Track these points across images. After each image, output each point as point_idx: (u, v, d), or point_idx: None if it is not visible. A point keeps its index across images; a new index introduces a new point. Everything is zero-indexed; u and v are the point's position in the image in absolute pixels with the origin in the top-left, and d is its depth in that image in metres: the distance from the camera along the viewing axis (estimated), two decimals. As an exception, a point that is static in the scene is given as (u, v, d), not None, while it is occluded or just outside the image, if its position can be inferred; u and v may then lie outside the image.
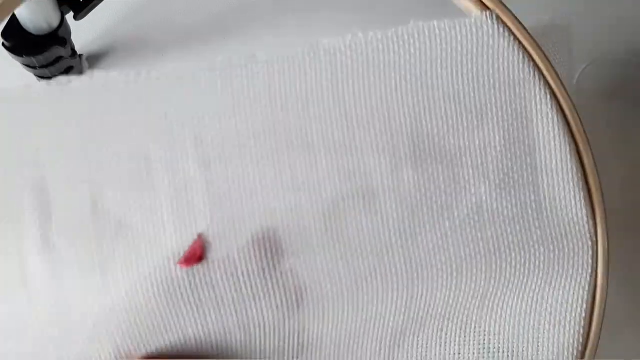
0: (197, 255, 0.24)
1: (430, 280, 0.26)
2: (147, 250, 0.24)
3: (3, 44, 0.37)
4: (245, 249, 0.25)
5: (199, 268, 0.25)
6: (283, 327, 0.26)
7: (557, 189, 0.26)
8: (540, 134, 0.26)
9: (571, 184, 0.26)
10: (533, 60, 0.26)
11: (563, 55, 0.30)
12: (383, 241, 0.25)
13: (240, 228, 0.25)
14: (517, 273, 0.27)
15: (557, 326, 0.27)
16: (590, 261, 0.27)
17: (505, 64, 0.25)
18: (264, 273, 0.25)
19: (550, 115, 0.26)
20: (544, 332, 0.27)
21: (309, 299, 0.26)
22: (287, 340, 0.27)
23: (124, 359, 0.26)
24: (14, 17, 0.37)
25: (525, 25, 0.26)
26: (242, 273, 0.25)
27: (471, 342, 0.28)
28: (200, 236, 0.24)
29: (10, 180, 0.24)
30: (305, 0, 0.43)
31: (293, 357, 0.27)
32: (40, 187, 0.24)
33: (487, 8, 0.25)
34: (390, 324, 0.27)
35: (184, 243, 0.24)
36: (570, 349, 0.27)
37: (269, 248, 0.25)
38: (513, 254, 0.26)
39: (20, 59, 0.37)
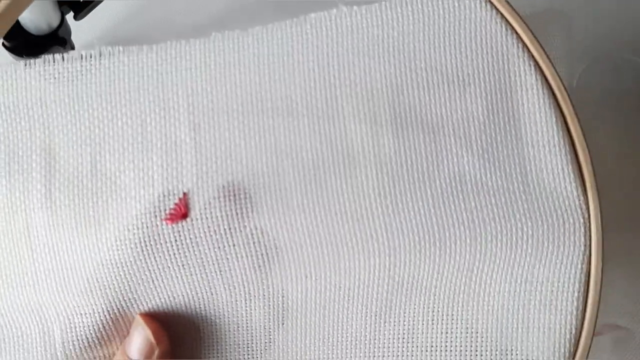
0: (181, 212, 0.26)
1: (412, 248, 0.26)
2: (137, 208, 0.26)
3: (3, 44, 0.37)
4: (227, 207, 0.26)
5: (183, 225, 0.26)
6: (267, 289, 0.27)
7: (544, 162, 0.26)
8: (525, 105, 0.26)
9: (558, 156, 0.26)
10: (516, 33, 0.26)
11: (561, 39, 0.30)
12: (363, 205, 0.26)
13: (223, 187, 0.26)
14: (504, 247, 0.26)
15: (548, 306, 0.26)
16: (582, 239, 0.26)
17: (488, 36, 0.26)
18: (244, 230, 0.26)
19: (535, 87, 0.26)
20: (534, 313, 0.26)
21: (290, 260, 0.26)
22: (271, 304, 0.27)
23: (116, 314, 0.27)
24: None
25: (526, 11, 0.27)
26: (224, 230, 0.26)
27: (459, 321, 0.27)
28: (185, 194, 0.26)
29: (22, 141, 0.27)
30: (306, 1, 0.44)
31: (279, 322, 0.28)
32: (47, 148, 0.27)
33: (469, -17, 0.26)
34: (375, 294, 0.27)
35: (171, 202, 0.26)
36: (564, 332, 0.26)
37: (251, 207, 0.26)
38: (499, 227, 0.26)
39: (21, 59, 0.37)
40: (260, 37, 0.26)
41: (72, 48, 0.42)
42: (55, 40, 0.39)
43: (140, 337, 0.27)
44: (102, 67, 0.27)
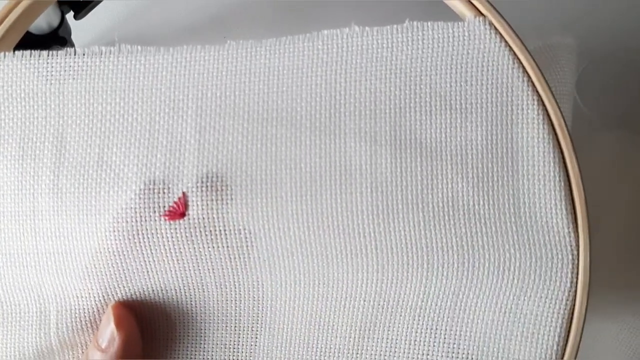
0: (179, 210, 0.27)
1: (400, 267, 0.27)
2: (137, 202, 0.27)
3: None
4: (223, 210, 0.26)
5: (180, 222, 0.27)
6: (257, 292, 0.28)
7: (537, 195, 0.26)
8: (525, 139, 0.26)
9: (553, 192, 0.26)
10: (523, 67, 0.26)
11: (567, 72, 0.30)
12: (355, 221, 0.26)
13: (221, 191, 0.27)
14: (491, 275, 0.26)
15: (530, 339, 0.27)
16: (570, 275, 0.26)
17: (495, 67, 0.26)
18: (239, 234, 0.27)
19: (536, 121, 0.26)
20: (515, 344, 0.27)
21: (281, 266, 0.27)
22: (260, 307, 0.28)
23: (110, 301, 0.28)
24: None
25: (538, 43, 0.27)
26: (219, 231, 0.27)
27: (440, 344, 0.28)
28: (184, 194, 0.27)
29: (37, 128, 0.28)
30: (306, 1, 0.43)
31: (266, 326, 0.28)
32: (59, 137, 0.28)
33: (481, 14, 0.27)
34: (361, 308, 0.28)
35: (170, 199, 0.27)
36: (543, 366, 0.26)
37: (247, 211, 0.26)
38: (487, 255, 0.26)
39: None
40: (272, 48, 0.27)
41: (72, 47, 0.42)
42: (55, 40, 0.38)
43: (106, 325, 0.28)
44: (119, 64, 0.28)
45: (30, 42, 0.33)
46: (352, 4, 0.43)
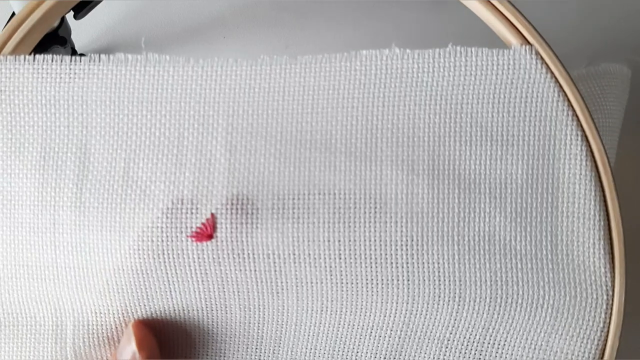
0: (207, 232, 0.26)
1: (431, 299, 0.26)
2: (163, 220, 0.26)
3: None
4: (252, 233, 0.26)
5: (207, 244, 0.26)
6: (281, 317, 0.27)
7: (576, 234, 0.26)
8: (566, 175, 0.25)
9: (592, 230, 0.25)
10: (568, 100, 0.25)
11: (615, 103, 0.29)
12: (388, 251, 0.26)
13: (252, 214, 0.26)
14: (523, 312, 0.26)
15: None
16: (603, 315, 0.26)
17: (539, 99, 0.25)
18: (268, 258, 0.26)
19: (578, 157, 0.25)
20: (544, 381, 0.26)
21: (309, 292, 0.26)
22: (283, 330, 0.27)
23: (129, 318, 0.27)
24: (13, 16, 0.35)
25: (585, 69, 0.26)
26: (247, 255, 0.26)
27: None
28: (213, 215, 0.26)
29: (59, 137, 0.27)
30: (305, 1, 0.42)
31: (288, 349, 0.28)
32: (83, 148, 0.27)
33: (528, 42, 0.26)
34: (388, 337, 0.27)
35: (198, 220, 0.26)
36: (571, 405, 0.26)
37: (277, 237, 0.26)
38: (521, 291, 0.26)
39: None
40: (308, 66, 0.26)
41: (72, 47, 0.41)
42: (55, 40, 0.38)
43: (127, 344, 0.27)
44: (147, 73, 0.27)
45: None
46: (353, 5, 0.42)
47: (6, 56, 0.28)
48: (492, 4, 0.26)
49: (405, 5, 0.40)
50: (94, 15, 0.40)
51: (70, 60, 0.27)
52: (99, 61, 0.27)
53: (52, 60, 0.27)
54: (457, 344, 0.27)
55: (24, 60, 0.27)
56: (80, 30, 0.41)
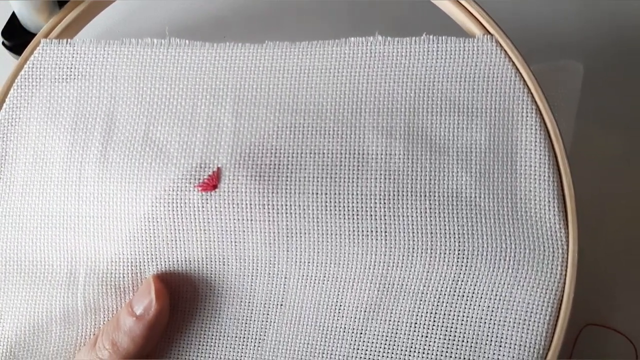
0: (212, 182, 0.30)
1: (406, 251, 0.29)
2: (176, 173, 0.30)
3: (3, 44, 0.38)
4: (251, 185, 0.29)
5: (211, 194, 0.30)
6: (272, 268, 0.30)
7: (533, 193, 0.29)
8: (523, 142, 0.30)
9: (547, 190, 0.29)
10: (523, 79, 0.30)
11: (571, 90, 0.33)
12: (368, 204, 0.29)
13: (252, 167, 0.30)
14: (488, 264, 0.29)
15: (522, 325, 0.29)
16: (559, 268, 0.29)
17: (499, 78, 0.30)
18: (263, 208, 0.29)
19: (533, 127, 0.30)
20: (508, 329, 0.29)
21: (297, 243, 0.30)
22: (274, 283, 0.30)
23: (136, 267, 0.31)
24: (13, 16, 0.37)
25: (545, 64, 0.31)
26: (245, 204, 0.29)
27: (439, 328, 0.30)
28: (219, 169, 0.30)
29: (90, 106, 0.32)
30: (305, 1, 0.44)
31: (278, 303, 0.31)
32: (110, 115, 0.31)
33: (489, 32, 0.30)
34: (367, 290, 0.30)
35: (206, 173, 0.30)
36: (533, 350, 0.29)
37: (272, 188, 0.29)
38: (485, 244, 0.29)
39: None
40: (305, 50, 0.31)
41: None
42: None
43: (145, 294, 0.30)
44: (169, 54, 0.32)
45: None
46: (353, 4, 0.44)
47: (52, 39, 0.33)
48: (460, 2, 0.31)
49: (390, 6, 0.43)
50: (94, 15, 0.42)
51: (105, 43, 0.32)
52: (129, 43, 0.32)
53: (89, 43, 0.32)
54: (430, 297, 0.30)
55: (66, 43, 0.32)
56: (80, 31, 0.42)
